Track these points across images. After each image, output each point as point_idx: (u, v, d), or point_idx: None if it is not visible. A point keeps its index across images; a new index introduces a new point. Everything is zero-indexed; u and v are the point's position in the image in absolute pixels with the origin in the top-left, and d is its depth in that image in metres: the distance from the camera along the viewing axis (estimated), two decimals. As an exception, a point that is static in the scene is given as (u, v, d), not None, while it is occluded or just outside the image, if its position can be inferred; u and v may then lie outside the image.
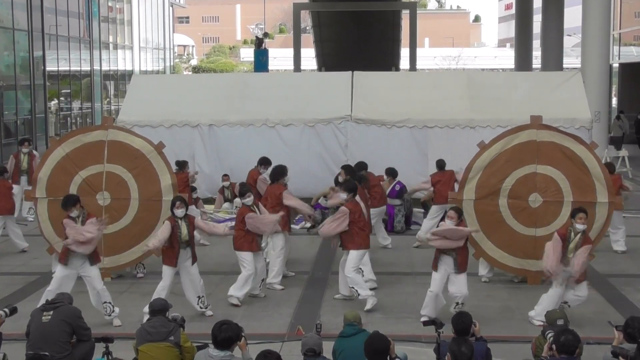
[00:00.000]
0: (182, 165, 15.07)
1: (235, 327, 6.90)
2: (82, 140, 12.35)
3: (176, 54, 72.06)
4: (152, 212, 12.09)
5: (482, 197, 11.85)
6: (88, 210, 11.77)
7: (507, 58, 60.05)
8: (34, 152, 18.30)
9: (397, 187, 15.58)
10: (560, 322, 7.63)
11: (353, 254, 10.85)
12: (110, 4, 42.31)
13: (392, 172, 15.29)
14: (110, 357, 7.51)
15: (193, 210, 14.30)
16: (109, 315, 10.23)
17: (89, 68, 38.13)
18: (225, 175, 17.01)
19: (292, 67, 45.82)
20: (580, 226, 9.92)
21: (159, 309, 7.82)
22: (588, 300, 11.11)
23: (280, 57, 61.37)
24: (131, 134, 12.81)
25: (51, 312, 7.92)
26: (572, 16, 38.78)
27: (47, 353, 7.59)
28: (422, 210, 15.95)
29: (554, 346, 6.59)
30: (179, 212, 10.39)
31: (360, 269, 11.08)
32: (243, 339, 6.98)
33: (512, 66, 40.68)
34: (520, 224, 11.66)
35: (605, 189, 11.69)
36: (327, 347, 7.32)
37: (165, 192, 12.17)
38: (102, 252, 11.33)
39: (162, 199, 12.11)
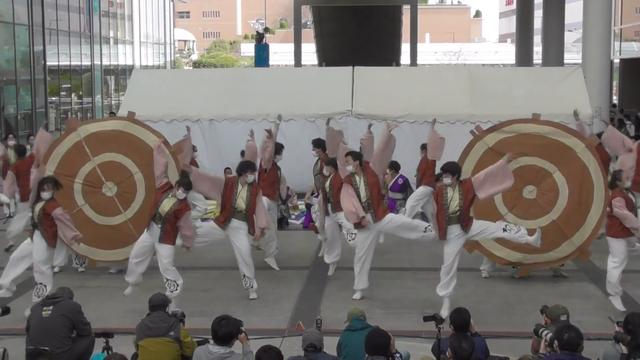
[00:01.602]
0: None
1: (235, 322, 6.89)
2: (60, 152, 12.19)
3: (177, 49, 71.99)
4: None
5: (495, 150, 11.60)
6: (104, 205, 11.88)
7: (507, 53, 59.99)
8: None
9: (400, 181, 15.55)
10: (563, 317, 7.61)
11: None
12: (110, -1, 42.32)
13: (394, 166, 15.25)
14: (110, 352, 7.51)
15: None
16: None
17: (89, 63, 38.15)
18: (228, 168, 16.92)
19: (292, 62, 45.87)
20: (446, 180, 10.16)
21: (159, 304, 7.79)
22: (588, 296, 11.13)
23: (281, 52, 61.36)
24: (99, 121, 12.98)
25: (51, 307, 7.92)
26: (573, 11, 38.72)
27: (47, 348, 7.57)
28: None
29: (556, 342, 6.59)
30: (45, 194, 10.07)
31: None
32: (243, 333, 6.99)
33: (513, 61, 40.61)
34: (500, 198, 11.49)
35: (586, 236, 11.51)
36: (328, 343, 7.31)
37: None
38: (136, 233, 11.30)
39: None
